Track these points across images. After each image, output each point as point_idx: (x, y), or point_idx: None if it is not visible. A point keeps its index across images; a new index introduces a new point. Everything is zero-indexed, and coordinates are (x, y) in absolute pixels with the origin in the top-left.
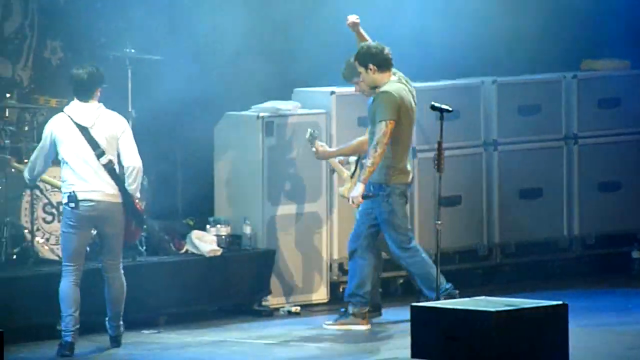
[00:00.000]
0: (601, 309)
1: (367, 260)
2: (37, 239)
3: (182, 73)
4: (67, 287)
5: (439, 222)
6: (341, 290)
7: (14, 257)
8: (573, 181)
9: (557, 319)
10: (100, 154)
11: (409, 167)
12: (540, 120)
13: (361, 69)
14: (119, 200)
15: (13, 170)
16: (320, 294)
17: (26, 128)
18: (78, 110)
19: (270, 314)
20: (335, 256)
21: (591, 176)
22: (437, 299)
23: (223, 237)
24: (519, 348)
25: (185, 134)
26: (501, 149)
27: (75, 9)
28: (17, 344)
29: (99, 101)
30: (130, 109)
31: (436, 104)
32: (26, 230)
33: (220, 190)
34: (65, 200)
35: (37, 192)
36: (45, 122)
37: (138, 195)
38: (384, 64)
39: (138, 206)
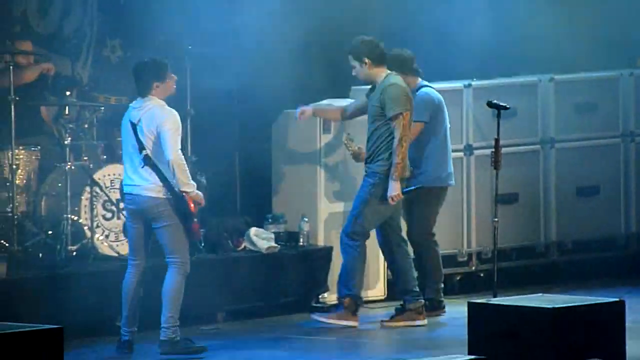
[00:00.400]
0: None
1: (397, 255)
2: (96, 236)
3: (239, 71)
4: (129, 283)
5: (496, 219)
6: None
7: (74, 253)
8: (630, 179)
9: (614, 315)
10: (141, 148)
11: (408, 162)
12: (597, 117)
13: (355, 63)
14: (162, 195)
15: None
16: (377, 291)
17: (86, 126)
18: (134, 105)
19: (328, 310)
20: None
21: None
22: (344, 295)
23: (281, 234)
24: (575, 345)
25: (243, 132)
26: (558, 146)
27: (134, 7)
28: (77, 340)
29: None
30: (188, 107)
31: (493, 101)
32: (86, 227)
33: (278, 187)
34: None
35: (97, 190)
36: (105, 119)
37: (187, 189)
38: (378, 58)
39: (190, 203)
